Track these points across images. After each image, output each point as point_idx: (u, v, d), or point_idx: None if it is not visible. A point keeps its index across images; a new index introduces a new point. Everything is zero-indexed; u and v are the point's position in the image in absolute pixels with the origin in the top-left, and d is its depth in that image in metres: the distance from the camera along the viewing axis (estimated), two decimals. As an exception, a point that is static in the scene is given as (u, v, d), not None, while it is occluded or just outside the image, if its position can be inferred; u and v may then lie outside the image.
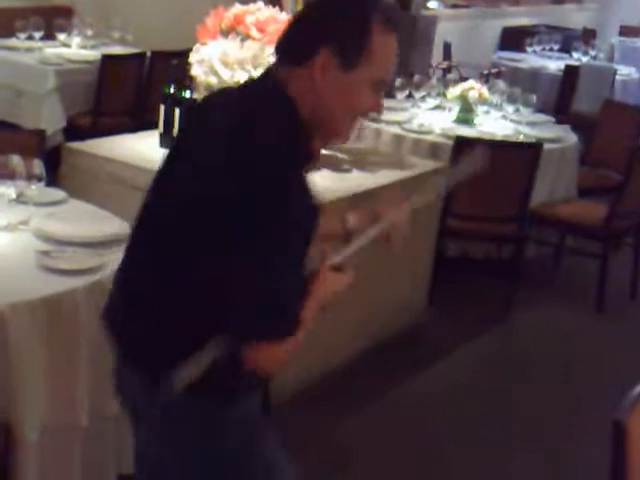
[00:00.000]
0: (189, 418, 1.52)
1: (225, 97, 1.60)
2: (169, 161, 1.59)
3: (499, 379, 3.44)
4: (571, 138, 4.44)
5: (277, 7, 3.39)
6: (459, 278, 4.20)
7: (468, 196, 3.77)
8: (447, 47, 6.81)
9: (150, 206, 1.58)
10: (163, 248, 1.51)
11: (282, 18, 3.28)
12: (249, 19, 3.21)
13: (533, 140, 4.13)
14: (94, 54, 5.02)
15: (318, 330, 3.01)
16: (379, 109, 1.53)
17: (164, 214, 1.52)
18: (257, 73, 3.01)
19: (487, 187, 3.76)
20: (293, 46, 1.50)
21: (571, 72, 6.30)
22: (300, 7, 3.52)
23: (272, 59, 1.57)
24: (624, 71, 6.74)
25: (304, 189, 1.44)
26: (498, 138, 4.12)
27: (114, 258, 2.09)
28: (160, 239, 1.52)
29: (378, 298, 3.43)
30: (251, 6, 3.29)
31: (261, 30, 3.20)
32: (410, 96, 4.62)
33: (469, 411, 3.15)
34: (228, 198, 1.38)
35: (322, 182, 3.18)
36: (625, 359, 3.58)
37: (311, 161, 1.50)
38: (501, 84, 4.76)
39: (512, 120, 4.47)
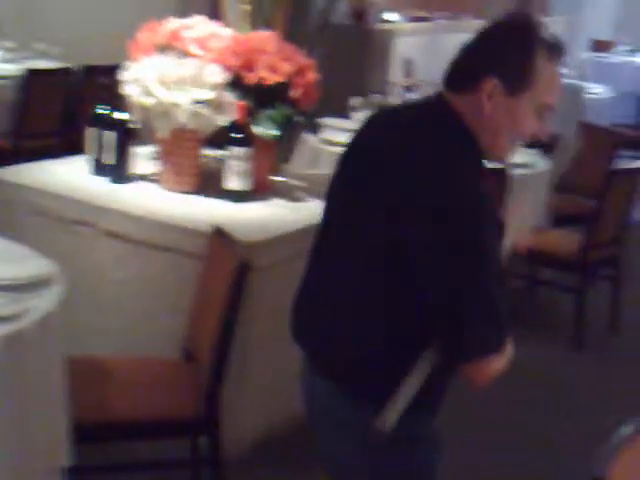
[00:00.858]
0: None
1: (400, 118, 1.82)
2: (355, 178, 1.75)
3: (472, 422, 3.39)
4: (541, 163, 4.47)
5: (219, 22, 3.35)
6: None
7: None
8: (407, 64, 6.84)
9: (341, 218, 1.78)
10: (369, 265, 1.69)
11: (224, 33, 3.24)
12: (187, 34, 3.15)
13: (499, 165, 4.14)
14: (15, 69, 4.92)
15: (275, 374, 3.02)
16: (543, 133, 1.78)
17: (367, 230, 1.69)
18: (198, 94, 3.04)
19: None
20: (462, 74, 1.75)
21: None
22: (245, 23, 3.46)
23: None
24: (595, 89, 6.85)
25: (490, 203, 1.70)
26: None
27: (36, 304, 2.01)
28: (367, 256, 1.69)
29: None
30: (190, 20, 3.24)
31: (202, 47, 3.15)
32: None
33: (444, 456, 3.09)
34: (439, 215, 1.59)
35: (275, 213, 3.21)
36: (606, 399, 3.58)
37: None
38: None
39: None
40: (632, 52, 8.78)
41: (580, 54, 8.76)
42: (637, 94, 7.28)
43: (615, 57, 8.62)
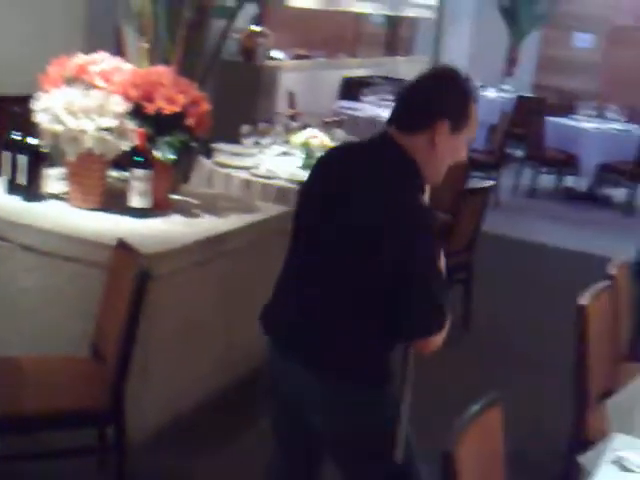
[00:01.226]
0: (360, 398, 1.90)
1: (355, 154, 2.00)
2: (323, 200, 1.93)
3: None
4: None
5: (121, 57, 3.35)
6: None
7: None
8: (291, 96, 6.95)
9: (315, 232, 1.93)
10: (342, 269, 1.86)
11: (126, 68, 3.25)
12: (93, 68, 3.14)
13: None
14: None
15: (175, 370, 3.04)
16: (465, 157, 2.01)
17: (339, 242, 1.86)
18: (103, 122, 3.03)
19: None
20: (414, 118, 1.91)
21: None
22: (145, 59, 3.47)
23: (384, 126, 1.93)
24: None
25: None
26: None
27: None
28: (338, 263, 1.87)
29: (233, 338, 3.41)
30: (95, 56, 3.23)
31: (106, 79, 3.14)
32: (257, 143, 4.66)
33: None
34: (395, 229, 1.80)
35: (174, 227, 3.23)
36: (461, 384, 3.67)
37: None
38: (340, 132, 4.91)
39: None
40: (483, 87, 9.16)
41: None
42: (486, 124, 7.59)
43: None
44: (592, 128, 7.88)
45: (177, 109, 3.13)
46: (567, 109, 8.62)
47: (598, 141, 7.71)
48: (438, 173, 1.96)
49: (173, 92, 3.14)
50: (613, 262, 2.97)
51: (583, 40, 10.59)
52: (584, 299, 2.53)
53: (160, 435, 2.96)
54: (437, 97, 1.91)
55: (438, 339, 1.93)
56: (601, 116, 8.45)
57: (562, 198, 8.09)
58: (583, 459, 1.97)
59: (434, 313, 1.89)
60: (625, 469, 1.78)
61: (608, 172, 7.70)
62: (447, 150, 1.92)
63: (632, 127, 8.06)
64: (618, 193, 8.00)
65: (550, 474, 2.75)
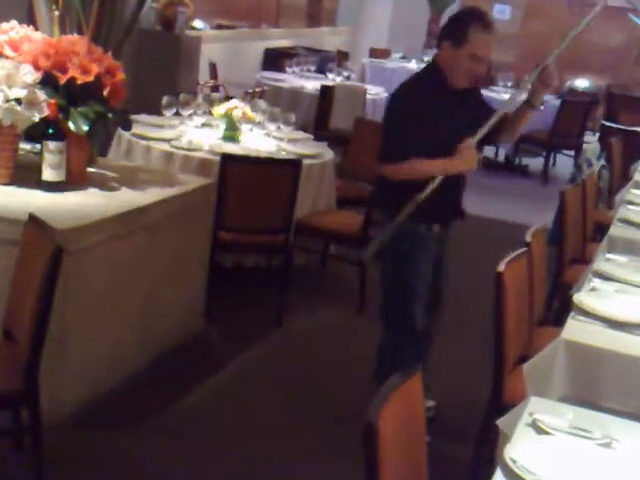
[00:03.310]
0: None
1: None
2: None
3: (278, 379, 3.47)
4: (328, 154, 4.59)
5: (32, 26, 3.19)
6: (234, 288, 4.21)
7: (237, 210, 3.81)
8: (212, 67, 6.80)
9: None
10: None
11: (37, 37, 3.09)
12: (1, 38, 2.98)
13: (294, 156, 4.22)
14: None
15: (95, 348, 2.96)
16: (479, 71, 2.88)
17: None
18: (12, 92, 2.89)
19: (254, 201, 3.86)
20: (437, 40, 2.94)
21: (327, 92, 6.52)
22: (57, 28, 3.32)
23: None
24: (373, 90, 7.10)
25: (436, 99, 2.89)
26: (262, 155, 4.17)
27: None
28: None
29: (154, 313, 3.36)
30: (4, 25, 3.07)
31: (15, 49, 2.99)
32: (177, 114, 4.55)
33: (252, 418, 3.14)
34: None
35: (91, 199, 3.12)
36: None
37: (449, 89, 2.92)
38: (263, 103, 4.83)
39: (274, 137, 4.54)
40: (403, 59, 9.18)
41: (361, 60, 9.06)
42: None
43: (390, 63, 8.98)
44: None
45: (91, 79, 3.01)
46: (486, 80, 8.72)
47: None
48: (453, 78, 2.86)
49: (86, 61, 3.02)
50: (530, 229, 3.02)
51: (501, 12, 10.72)
52: (501, 266, 2.56)
53: (80, 414, 2.90)
54: (445, 25, 2.92)
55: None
56: (518, 87, 8.56)
57: (480, 168, 8.21)
58: (500, 422, 2.00)
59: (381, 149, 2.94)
60: (540, 431, 1.80)
61: (525, 142, 7.85)
62: (452, 60, 2.83)
63: (547, 97, 8.21)
64: (535, 162, 8.19)
65: (469, 437, 2.76)
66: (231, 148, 4.18)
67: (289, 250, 4.03)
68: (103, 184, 3.27)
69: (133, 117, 3.74)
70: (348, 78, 7.24)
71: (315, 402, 3.23)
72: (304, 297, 4.29)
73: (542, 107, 3.00)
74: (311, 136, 5.02)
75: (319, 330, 4.01)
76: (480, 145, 2.99)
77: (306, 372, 3.59)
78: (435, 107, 2.83)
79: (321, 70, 7.44)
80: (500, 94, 8.15)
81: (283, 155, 4.27)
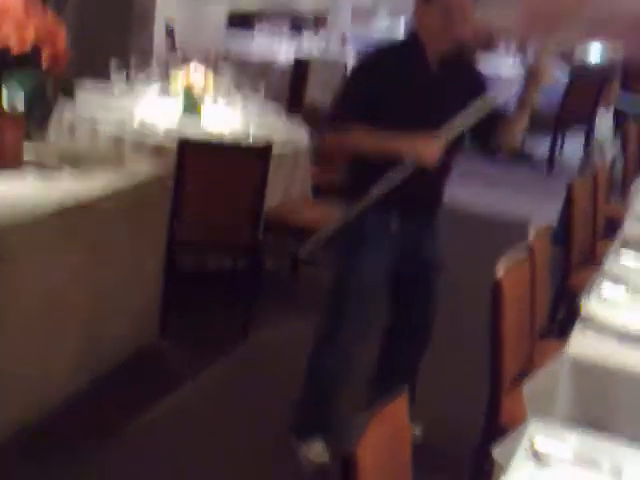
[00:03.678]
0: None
1: None
2: None
3: (237, 404, 3.47)
4: (303, 136, 4.57)
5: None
6: (194, 295, 4.21)
7: (197, 203, 3.79)
8: (170, 29, 6.79)
9: None
10: None
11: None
12: None
13: (263, 141, 4.18)
14: None
15: (31, 366, 2.94)
16: (460, 33, 2.78)
17: None
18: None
19: (217, 193, 3.83)
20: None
21: (301, 65, 6.52)
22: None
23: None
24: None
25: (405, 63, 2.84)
26: (226, 139, 4.13)
27: None
28: None
29: (100, 323, 3.37)
30: None
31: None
32: (129, 83, 4.52)
33: (205, 441, 3.17)
34: None
35: (27, 188, 3.05)
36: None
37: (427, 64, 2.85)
38: (228, 70, 4.76)
39: (241, 110, 4.52)
40: (389, 24, 9.22)
41: (342, 24, 9.05)
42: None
43: (375, 32, 9.00)
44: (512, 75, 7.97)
45: (28, 43, 2.99)
46: (483, 47, 8.69)
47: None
48: (429, 40, 2.79)
49: (23, 23, 3.00)
50: (532, 228, 3.04)
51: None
52: (499, 272, 2.57)
53: (9, 443, 2.88)
54: None
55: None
56: (522, 55, 8.57)
57: (474, 154, 8.23)
58: (496, 453, 2.01)
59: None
60: (540, 461, 1.83)
61: (531, 123, 7.84)
62: (425, 20, 2.79)
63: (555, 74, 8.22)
64: (540, 146, 8.22)
65: (462, 468, 2.79)
66: (190, 129, 4.17)
67: (257, 250, 4.01)
68: (41, 169, 3.25)
69: (76, 85, 3.70)
70: (327, 46, 7.22)
71: (280, 420, 3.24)
72: (274, 305, 4.29)
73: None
74: (282, 112, 5.01)
75: (288, 343, 3.97)
76: (455, 150, 2.89)
77: (272, 389, 3.58)
78: (401, 79, 2.78)
79: (294, 34, 7.38)
80: (501, 64, 8.13)
81: (250, 140, 4.22)
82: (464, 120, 2.78)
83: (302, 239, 4.40)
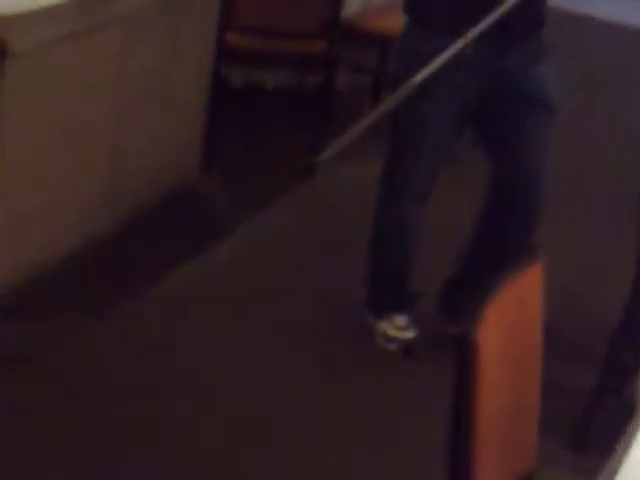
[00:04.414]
0: None
1: None
2: None
3: (299, 266, 3.39)
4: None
5: None
6: (247, 119, 4.17)
7: (255, 3, 3.82)
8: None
9: None
10: None
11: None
12: None
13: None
14: None
15: (38, 204, 3.02)
16: None
17: None
18: None
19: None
20: None
21: None
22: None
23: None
24: None
25: None
26: None
27: None
28: None
29: (127, 155, 3.38)
30: None
31: None
32: None
33: (253, 303, 3.14)
34: None
35: None
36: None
37: None
38: None
39: None
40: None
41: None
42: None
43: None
44: None
45: None
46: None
47: None
48: None
49: None
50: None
51: None
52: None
53: (14, 300, 2.93)
54: None
55: None
56: None
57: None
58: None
59: None
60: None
61: None
62: None
63: None
64: None
65: (594, 361, 2.73)
66: None
67: (331, 65, 3.98)
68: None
69: None
70: None
71: (354, 292, 3.17)
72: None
73: None
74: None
75: (362, 183, 3.73)
76: None
77: (343, 248, 3.48)
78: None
79: None
80: None
81: None
82: None
83: (384, 51, 4.37)
